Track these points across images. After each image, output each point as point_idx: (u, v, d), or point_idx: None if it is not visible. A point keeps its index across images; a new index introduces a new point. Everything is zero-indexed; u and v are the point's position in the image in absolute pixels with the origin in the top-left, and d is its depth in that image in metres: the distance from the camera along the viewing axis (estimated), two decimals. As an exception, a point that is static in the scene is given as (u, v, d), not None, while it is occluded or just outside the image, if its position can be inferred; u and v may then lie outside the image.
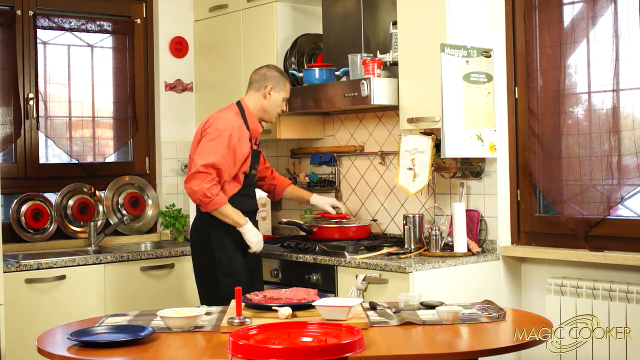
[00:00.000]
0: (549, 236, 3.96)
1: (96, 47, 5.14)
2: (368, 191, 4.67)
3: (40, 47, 4.89)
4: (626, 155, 3.62)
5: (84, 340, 2.65)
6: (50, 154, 5.02)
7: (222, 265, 3.91)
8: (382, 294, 3.71)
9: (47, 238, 4.81)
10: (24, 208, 4.74)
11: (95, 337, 2.69)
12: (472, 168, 4.09)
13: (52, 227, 4.84)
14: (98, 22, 5.10)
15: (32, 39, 4.84)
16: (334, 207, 4.47)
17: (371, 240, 4.33)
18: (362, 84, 4.00)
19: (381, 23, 4.28)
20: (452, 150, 3.80)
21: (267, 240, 4.40)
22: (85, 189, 5.00)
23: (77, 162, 5.02)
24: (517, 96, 4.06)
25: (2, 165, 4.68)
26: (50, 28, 4.93)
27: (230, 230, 3.93)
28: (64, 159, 5.04)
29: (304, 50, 4.76)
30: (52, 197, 4.90)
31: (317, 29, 4.76)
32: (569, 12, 3.84)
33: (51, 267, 4.23)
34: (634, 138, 3.59)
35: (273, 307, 2.93)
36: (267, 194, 4.60)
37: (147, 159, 5.31)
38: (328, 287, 3.98)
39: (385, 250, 4.05)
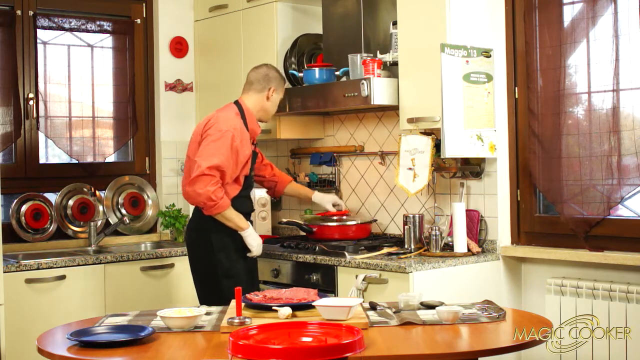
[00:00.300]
0: (549, 236, 3.96)
1: (96, 47, 5.14)
2: (368, 191, 4.67)
3: (40, 47, 4.89)
4: (626, 155, 3.62)
5: (84, 340, 2.65)
6: (50, 154, 5.02)
7: (223, 268, 3.90)
8: (382, 294, 3.71)
9: (47, 238, 4.81)
10: (24, 208, 4.74)
11: (95, 337, 2.69)
12: (472, 168, 4.09)
13: (52, 227, 4.84)
14: (98, 22, 5.10)
15: (32, 39, 4.84)
16: (334, 205, 4.48)
17: (371, 240, 4.33)
18: (362, 84, 4.00)
19: (381, 23, 4.28)
20: (452, 150, 3.80)
21: (267, 240, 4.40)
22: (85, 189, 5.01)
23: (77, 162, 5.02)
24: (517, 96, 4.06)
25: (2, 165, 4.68)
26: (50, 28, 4.93)
27: (231, 232, 3.91)
28: (64, 159, 5.04)
29: (304, 50, 4.76)
30: (52, 197, 4.90)
31: (317, 29, 4.76)
32: (569, 12, 3.84)
33: (51, 267, 4.23)
34: (634, 138, 3.59)
35: (273, 307, 2.93)
36: (267, 190, 4.60)
37: (147, 159, 5.31)
38: (328, 287, 3.98)
39: (385, 250, 4.05)
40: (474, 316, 2.93)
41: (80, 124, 5.04)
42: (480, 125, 3.89)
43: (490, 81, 3.95)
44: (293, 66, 4.68)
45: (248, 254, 4.00)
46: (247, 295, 3.10)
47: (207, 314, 3.03)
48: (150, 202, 5.23)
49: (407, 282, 3.63)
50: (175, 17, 5.31)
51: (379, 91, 4.02)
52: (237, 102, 4.07)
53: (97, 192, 5.06)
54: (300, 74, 4.47)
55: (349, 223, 4.39)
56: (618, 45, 3.64)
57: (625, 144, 3.62)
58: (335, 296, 3.90)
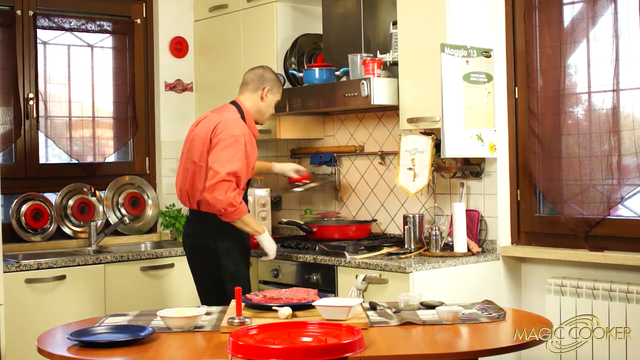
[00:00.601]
0: (549, 236, 3.96)
1: (96, 47, 5.14)
2: (368, 191, 4.67)
3: (40, 47, 4.89)
4: (626, 155, 3.62)
5: (84, 340, 2.65)
6: (50, 154, 5.02)
7: (228, 271, 3.88)
8: (382, 294, 3.71)
9: (47, 238, 4.81)
10: (24, 208, 4.74)
11: (95, 337, 2.69)
12: (472, 168, 4.09)
13: (52, 227, 4.84)
14: (98, 22, 5.10)
15: (32, 39, 4.84)
16: (297, 172, 4.49)
17: (371, 240, 4.34)
18: (362, 84, 4.00)
19: (381, 23, 4.28)
20: (452, 150, 3.80)
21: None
22: (85, 189, 5.01)
23: (77, 162, 5.02)
24: (517, 96, 4.06)
25: (2, 165, 4.67)
26: (50, 28, 4.93)
27: (235, 236, 3.89)
28: (64, 159, 5.04)
29: (304, 50, 4.76)
30: (52, 197, 4.90)
31: (317, 29, 4.77)
32: (569, 12, 3.84)
33: (51, 267, 4.23)
34: (634, 138, 3.59)
35: (273, 307, 2.93)
36: None
37: (147, 159, 5.31)
38: (328, 287, 3.98)
39: (385, 250, 4.05)
40: (474, 316, 2.93)
41: (80, 124, 5.04)
42: (480, 125, 3.89)
43: (490, 81, 3.95)
44: (293, 66, 4.68)
45: (264, 258, 4.05)
46: (247, 295, 3.11)
47: (207, 314, 3.03)
48: (150, 202, 5.23)
49: (407, 282, 3.63)
50: (175, 17, 5.31)
51: (379, 91, 4.02)
52: (234, 103, 4.03)
53: (97, 192, 5.06)
54: (300, 74, 4.47)
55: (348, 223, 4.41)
56: (618, 45, 3.64)
57: (625, 144, 3.62)
58: (335, 296, 3.90)
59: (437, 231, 3.96)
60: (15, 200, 4.72)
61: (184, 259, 4.46)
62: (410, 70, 4.00)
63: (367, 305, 3.13)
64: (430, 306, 3.05)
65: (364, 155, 4.68)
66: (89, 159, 5.06)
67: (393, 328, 2.80)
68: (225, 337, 2.57)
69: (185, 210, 5.15)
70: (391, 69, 4.12)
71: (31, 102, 4.81)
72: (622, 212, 3.74)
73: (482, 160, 4.06)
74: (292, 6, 4.80)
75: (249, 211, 3.90)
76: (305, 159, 5.03)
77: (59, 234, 4.87)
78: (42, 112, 4.85)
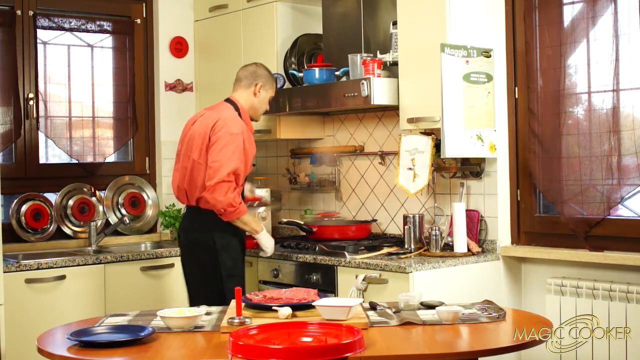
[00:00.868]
0: (549, 236, 3.96)
1: (96, 47, 5.14)
2: (368, 191, 4.67)
3: (40, 47, 4.89)
4: (626, 155, 3.62)
5: (84, 340, 2.65)
6: (50, 154, 5.02)
7: (226, 268, 3.89)
8: (382, 294, 3.71)
9: (47, 238, 4.81)
10: (24, 208, 4.74)
11: (95, 337, 2.69)
12: (472, 168, 4.09)
13: (52, 227, 4.84)
14: (98, 22, 5.10)
15: (32, 39, 4.84)
16: (250, 191, 4.55)
17: (371, 240, 4.33)
18: (362, 84, 4.00)
19: (381, 23, 4.28)
20: (452, 150, 3.80)
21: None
22: (85, 189, 5.01)
23: (77, 162, 5.02)
24: (517, 96, 4.06)
25: (2, 165, 4.68)
26: (50, 28, 4.93)
27: (234, 232, 3.91)
28: (64, 159, 5.04)
29: (304, 50, 4.76)
30: (52, 197, 4.90)
31: (317, 29, 4.76)
32: (569, 12, 3.84)
33: (51, 267, 4.23)
34: (634, 138, 3.59)
35: (273, 307, 2.93)
36: None
37: (147, 159, 5.31)
38: (328, 287, 3.98)
39: (385, 250, 4.05)
40: (474, 316, 2.93)
41: (80, 124, 5.04)
42: (480, 125, 3.89)
43: (490, 81, 3.95)
44: (293, 66, 4.68)
45: (261, 254, 4.11)
46: (247, 295, 3.10)
47: (207, 314, 3.03)
48: (150, 202, 5.23)
49: (407, 282, 3.63)
50: (175, 17, 5.31)
51: (379, 91, 4.01)
52: (229, 100, 4.06)
53: (97, 192, 5.06)
54: (300, 74, 4.47)
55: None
56: (618, 45, 3.64)
57: (625, 144, 3.62)
58: (335, 296, 3.90)
59: (437, 231, 3.96)
60: (15, 200, 4.73)
61: (184, 259, 4.45)
62: (410, 70, 4.00)
63: (367, 305, 3.13)
64: (430, 306, 3.04)
65: (364, 155, 4.68)
66: (89, 159, 5.06)
67: (393, 328, 2.80)
68: (225, 337, 2.57)
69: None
70: (391, 69, 4.12)
71: (31, 102, 4.81)
72: (622, 212, 3.74)
73: (482, 160, 4.06)
74: (292, 6, 4.80)
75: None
76: (305, 159, 5.03)
77: (59, 234, 4.87)
78: (42, 112, 4.85)
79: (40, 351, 2.65)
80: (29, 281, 4.16)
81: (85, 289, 4.34)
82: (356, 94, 4.05)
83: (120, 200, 5.11)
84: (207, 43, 5.27)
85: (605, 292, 3.61)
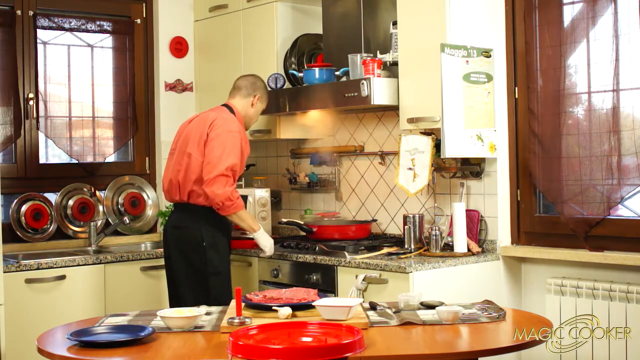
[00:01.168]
0: (549, 236, 3.96)
1: (96, 47, 5.14)
2: (368, 191, 4.67)
3: (40, 47, 4.89)
4: (626, 155, 3.62)
5: (84, 340, 2.65)
6: (50, 154, 5.02)
7: (213, 265, 3.92)
8: (382, 294, 3.71)
9: (47, 238, 4.81)
10: (24, 208, 4.74)
11: (95, 337, 2.69)
12: (472, 168, 4.09)
13: (52, 227, 4.84)
14: (98, 22, 5.10)
15: (32, 39, 4.84)
16: None
17: (371, 240, 4.33)
18: (362, 84, 4.00)
19: (381, 23, 4.28)
20: (452, 150, 3.80)
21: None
22: (85, 189, 5.01)
23: (77, 162, 5.02)
24: (517, 96, 4.06)
25: (2, 165, 4.68)
26: (50, 28, 4.93)
27: (222, 228, 3.95)
28: (64, 159, 5.04)
29: (304, 50, 4.76)
30: (52, 197, 4.90)
31: (317, 29, 4.76)
32: (569, 12, 3.84)
33: (51, 267, 4.23)
34: (634, 138, 3.59)
35: (273, 307, 2.93)
36: None
37: (147, 159, 5.31)
38: (328, 287, 3.98)
39: (385, 250, 4.05)
40: (474, 316, 2.93)
41: (80, 124, 5.04)
42: (480, 125, 3.89)
43: (490, 81, 3.94)
44: (293, 66, 4.68)
45: (261, 254, 4.14)
46: (247, 295, 3.11)
47: (207, 314, 3.03)
48: (150, 202, 5.23)
49: (407, 282, 3.63)
50: (175, 17, 5.31)
51: (379, 91, 4.01)
52: (227, 106, 4.15)
53: (97, 192, 5.06)
54: (300, 74, 4.47)
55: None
56: (618, 45, 3.64)
57: (625, 144, 3.62)
58: (335, 296, 3.90)
59: (437, 231, 3.96)
60: (15, 200, 4.72)
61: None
62: (410, 70, 4.00)
63: (367, 305, 3.13)
64: (430, 306, 3.05)
65: (364, 155, 4.68)
66: (89, 159, 5.06)
67: (393, 328, 2.80)
68: (225, 337, 2.57)
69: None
70: (391, 69, 4.12)
71: (31, 102, 4.81)
72: (622, 212, 3.74)
73: (482, 160, 4.06)
74: (292, 6, 4.80)
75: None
76: (305, 159, 5.03)
77: (59, 234, 4.87)
78: (42, 112, 4.85)
79: (40, 351, 2.65)
80: (29, 281, 4.16)
81: (85, 289, 4.34)
82: (356, 94, 4.05)
83: (120, 200, 5.11)
84: (207, 43, 5.27)
85: (605, 292, 3.61)
